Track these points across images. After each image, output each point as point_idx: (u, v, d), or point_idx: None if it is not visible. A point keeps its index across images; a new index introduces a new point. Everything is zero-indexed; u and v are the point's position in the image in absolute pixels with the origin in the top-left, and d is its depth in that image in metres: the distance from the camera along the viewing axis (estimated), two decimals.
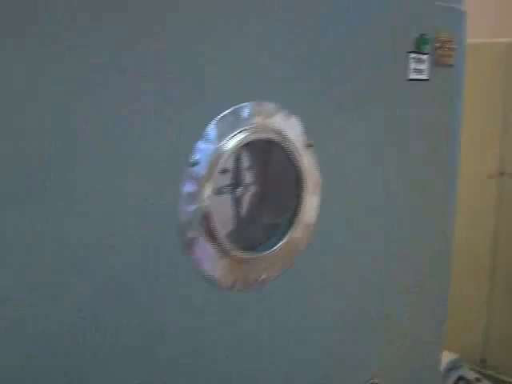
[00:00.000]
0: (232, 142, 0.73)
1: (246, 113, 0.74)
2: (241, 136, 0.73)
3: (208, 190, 0.71)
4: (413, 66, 0.96)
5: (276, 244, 0.78)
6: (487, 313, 1.51)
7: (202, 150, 0.70)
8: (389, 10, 0.91)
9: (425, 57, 0.98)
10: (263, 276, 0.79)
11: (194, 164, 0.70)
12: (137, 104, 0.64)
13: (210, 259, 0.73)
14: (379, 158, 0.93)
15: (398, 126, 0.95)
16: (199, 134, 0.70)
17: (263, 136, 0.76)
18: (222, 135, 0.72)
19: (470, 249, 1.48)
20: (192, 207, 0.70)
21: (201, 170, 0.70)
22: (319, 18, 0.81)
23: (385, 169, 0.94)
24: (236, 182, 0.78)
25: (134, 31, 0.63)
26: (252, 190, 0.80)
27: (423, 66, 0.98)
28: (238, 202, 0.79)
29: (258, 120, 0.75)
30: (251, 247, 0.78)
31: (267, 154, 0.79)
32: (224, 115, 0.72)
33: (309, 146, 0.82)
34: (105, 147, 0.62)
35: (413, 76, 0.96)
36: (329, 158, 0.85)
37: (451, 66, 1.03)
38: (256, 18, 0.74)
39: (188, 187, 0.70)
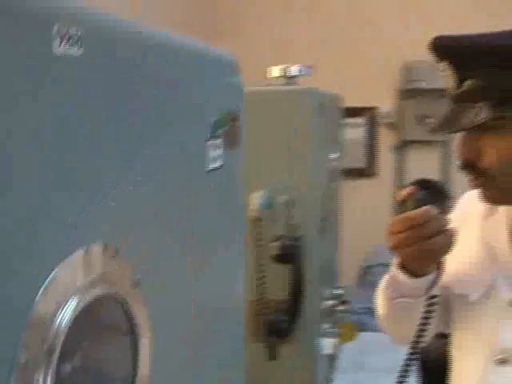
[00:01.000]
0: (65, 317, 0.53)
1: (72, 272, 0.55)
2: (73, 304, 0.54)
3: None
4: (211, 154, 0.85)
5: None
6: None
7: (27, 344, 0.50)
8: (177, 100, 0.77)
9: (219, 141, 0.87)
10: None
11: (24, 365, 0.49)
12: None
13: None
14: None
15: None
16: (23, 320, 0.49)
17: (95, 294, 0.58)
18: (48, 311, 0.52)
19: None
20: None
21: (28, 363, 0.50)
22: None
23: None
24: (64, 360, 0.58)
25: None
26: (79, 362, 0.60)
27: (218, 152, 0.87)
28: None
29: (86, 275, 0.57)
30: None
31: (100, 310, 0.61)
32: (49, 282, 0.52)
33: (136, 284, 0.65)
34: None
35: (212, 165, 0.85)
36: (156, 291, 0.69)
37: (238, 144, 0.95)
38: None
39: None
